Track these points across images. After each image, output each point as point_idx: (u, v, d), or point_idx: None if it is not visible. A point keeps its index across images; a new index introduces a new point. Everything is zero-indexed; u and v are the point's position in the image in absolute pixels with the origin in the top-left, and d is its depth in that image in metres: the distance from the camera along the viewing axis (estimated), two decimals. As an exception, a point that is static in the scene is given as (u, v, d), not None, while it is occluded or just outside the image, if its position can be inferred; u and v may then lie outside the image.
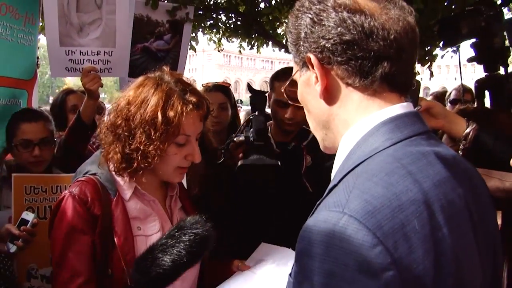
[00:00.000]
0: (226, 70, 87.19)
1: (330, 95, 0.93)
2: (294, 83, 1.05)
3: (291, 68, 2.57)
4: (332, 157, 0.99)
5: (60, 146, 2.63)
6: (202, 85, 3.15)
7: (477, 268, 0.84)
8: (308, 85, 0.97)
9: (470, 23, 2.54)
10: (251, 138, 2.01)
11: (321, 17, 0.89)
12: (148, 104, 1.45)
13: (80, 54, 2.67)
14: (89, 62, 2.69)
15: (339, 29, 0.87)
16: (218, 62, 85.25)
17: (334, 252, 0.73)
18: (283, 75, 2.30)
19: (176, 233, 1.22)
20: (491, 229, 0.94)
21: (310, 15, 0.91)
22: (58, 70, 2.73)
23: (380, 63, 0.87)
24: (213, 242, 1.26)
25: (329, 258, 0.73)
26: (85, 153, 2.60)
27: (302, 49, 0.95)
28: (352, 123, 0.92)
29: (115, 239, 1.45)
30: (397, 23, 0.88)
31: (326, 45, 0.89)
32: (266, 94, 2.27)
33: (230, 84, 3.39)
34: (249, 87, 2.22)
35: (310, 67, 0.93)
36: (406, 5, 0.92)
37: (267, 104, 2.28)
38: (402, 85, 0.93)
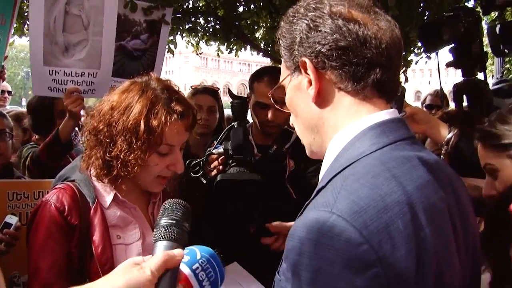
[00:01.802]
0: (203, 72, 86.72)
1: (322, 99, 0.96)
2: (279, 87, 1.08)
3: (270, 68, 2.55)
4: (315, 162, 1.01)
5: (32, 157, 2.60)
6: (191, 87, 3.16)
7: (456, 268, 0.87)
8: (299, 90, 1.00)
9: (450, 29, 2.60)
10: (230, 152, 1.95)
11: (317, 23, 0.93)
12: (132, 112, 1.41)
13: (64, 75, 2.63)
14: (72, 83, 2.64)
15: (335, 35, 0.91)
16: (195, 64, 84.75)
17: (322, 250, 0.76)
18: (263, 75, 2.24)
19: None
20: (472, 232, 0.97)
21: (306, 21, 0.95)
22: (41, 89, 2.68)
23: (373, 69, 0.92)
24: None
25: (317, 255, 0.77)
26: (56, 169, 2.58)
27: (296, 53, 0.97)
28: (341, 127, 0.95)
29: (93, 249, 1.41)
30: (386, 34, 0.93)
31: (322, 50, 0.92)
32: (247, 99, 2.22)
33: (219, 89, 3.44)
34: (230, 93, 2.18)
35: (303, 71, 0.96)
36: (391, 19, 0.97)
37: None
38: (390, 92, 0.97)
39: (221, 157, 1.97)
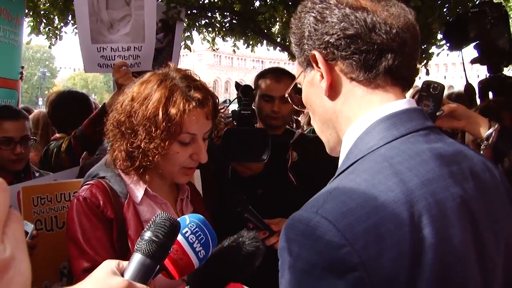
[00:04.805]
0: (217, 70, 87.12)
1: (335, 92, 0.95)
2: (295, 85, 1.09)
3: (273, 67, 2.63)
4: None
5: (75, 136, 2.61)
6: None
7: (472, 268, 0.82)
8: (313, 85, 0.99)
9: (477, 26, 2.53)
10: (238, 108, 2.05)
11: (324, 15, 0.92)
12: (151, 101, 1.40)
13: (111, 50, 2.72)
14: (120, 57, 2.73)
15: (342, 24, 0.90)
16: (209, 62, 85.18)
17: (306, 251, 0.76)
18: (267, 72, 2.40)
19: (235, 247, 1.27)
20: (505, 227, 0.91)
21: (313, 14, 0.94)
22: (91, 67, 2.80)
23: (384, 55, 0.89)
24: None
25: (301, 256, 0.76)
26: (97, 146, 2.60)
27: (306, 47, 0.96)
28: (355, 119, 0.93)
29: (129, 244, 1.41)
30: (398, 19, 0.91)
31: (330, 40, 0.91)
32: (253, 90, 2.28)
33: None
34: (237, 85, 2.22)
35: (314, 65, 0.95)
36: (405, 6, 0.95)
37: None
38: (405, 79, 0.95)
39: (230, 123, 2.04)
